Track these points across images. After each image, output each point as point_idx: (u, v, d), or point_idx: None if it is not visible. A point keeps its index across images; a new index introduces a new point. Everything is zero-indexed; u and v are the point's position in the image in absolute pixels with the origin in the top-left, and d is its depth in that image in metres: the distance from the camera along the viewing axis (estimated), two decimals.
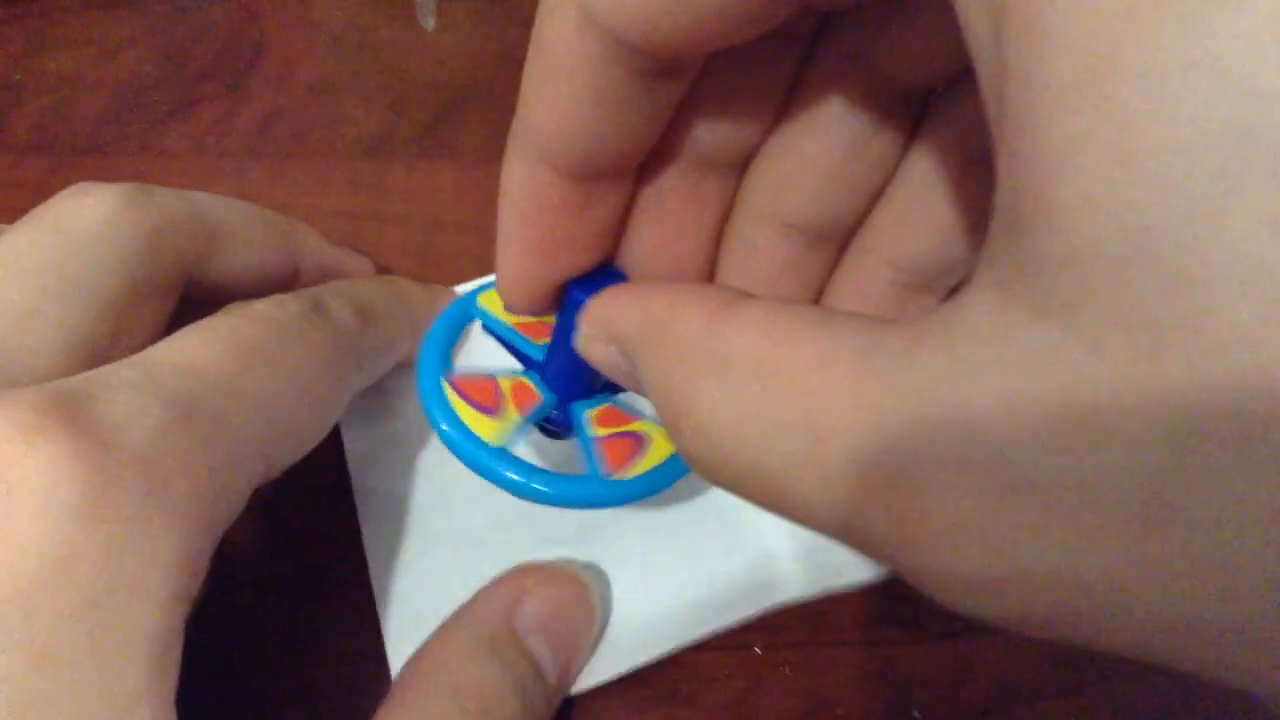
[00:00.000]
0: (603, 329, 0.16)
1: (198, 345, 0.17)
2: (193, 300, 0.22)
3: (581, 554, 0.24)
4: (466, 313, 0.24)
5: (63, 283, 0.18)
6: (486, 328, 0.24)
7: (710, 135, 0.17)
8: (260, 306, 0.19)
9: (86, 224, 0.19)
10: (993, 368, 0.09)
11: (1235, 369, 0.07)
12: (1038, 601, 0.09)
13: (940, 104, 0.17)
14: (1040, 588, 0.09)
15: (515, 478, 0.20)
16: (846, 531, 0.11)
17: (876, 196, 0.18)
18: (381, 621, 0.23)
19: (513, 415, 0.21)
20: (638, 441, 0.22)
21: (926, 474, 0.10)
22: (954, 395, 0.10)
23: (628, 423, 0.22)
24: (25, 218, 0.19)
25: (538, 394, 0.22)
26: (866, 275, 0.18)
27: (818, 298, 0.19)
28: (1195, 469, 0.08)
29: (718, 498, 0.24)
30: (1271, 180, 0.07)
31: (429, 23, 0.38)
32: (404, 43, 0.37)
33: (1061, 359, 0.09)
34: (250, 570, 0.24)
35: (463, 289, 0.28)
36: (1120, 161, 0.08)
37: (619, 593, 0.23)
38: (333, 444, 0.27)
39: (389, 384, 0.27)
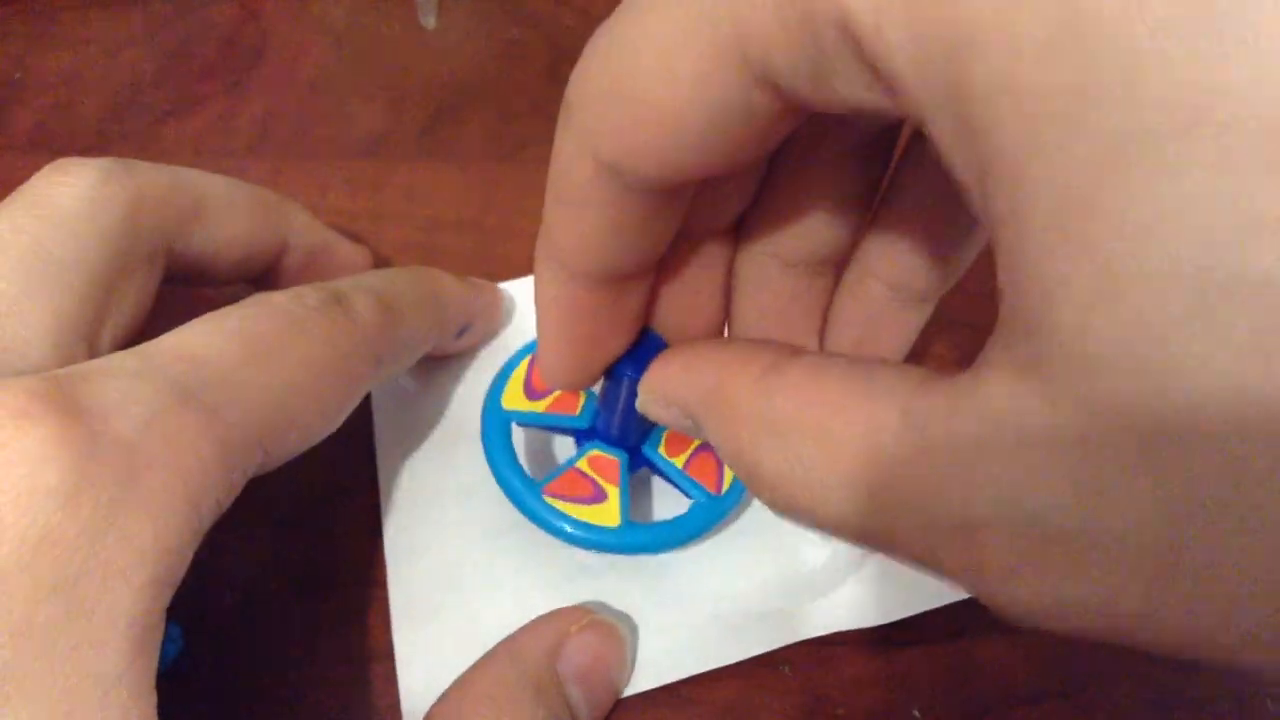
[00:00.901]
0: (660, 395, 0.18)
1: (203, 334, 0.18)
2: (179, 273, 0.22)
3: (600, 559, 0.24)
4: (504, 421, 0.25)
5: (48, 266, 0.18)
6: (521, 423, 0.25)
7: (709, 211, 0.18)
8: (278, 297, 0.19)
9: (66, 202, 0.19)
10: (1016, 443, 0.11)
11: (1217, 454, 0.09)
12: (1087, 624, 0.11)
13: (919, 132, 0.17)
14: (1087, 615, 0.11)
15: (667, 540, 0.23)
16: (926, 566, 0.13)
17: (866, 222, 0.19)
18: (391, 607, 0.23)
19: (613, 491, 0.23)
20: (711, 451, 0.23)
21: (980, 528, 0.12)
22: (988, 463, 0.11)
23: (691, 440, 0.24)
24: (6, 200, 0.19)
25: (612, 457, 0.23)
26: (866, 296, 0.19)
27: (824, 318, 0.20)
28: (1193, 535, 0.10)
29: (748, 526, 0.25)
30: (1232, 311, 0.09)
31: (429, 21, 0.38)
32: (404, 41, 0.37)
33: (1075, 442, 0.10)
34: (251, 570, 0.24)
35: (506, 286, 0.28)
36: (1105, 294, 0.09)
37: (651, 608, 0.24)
38: (337, 443, 0.27)
39: (423, 375, 0.27)
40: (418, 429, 0.26)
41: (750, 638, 0.23)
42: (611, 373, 0.20)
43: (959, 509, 0.12)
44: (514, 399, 0.25)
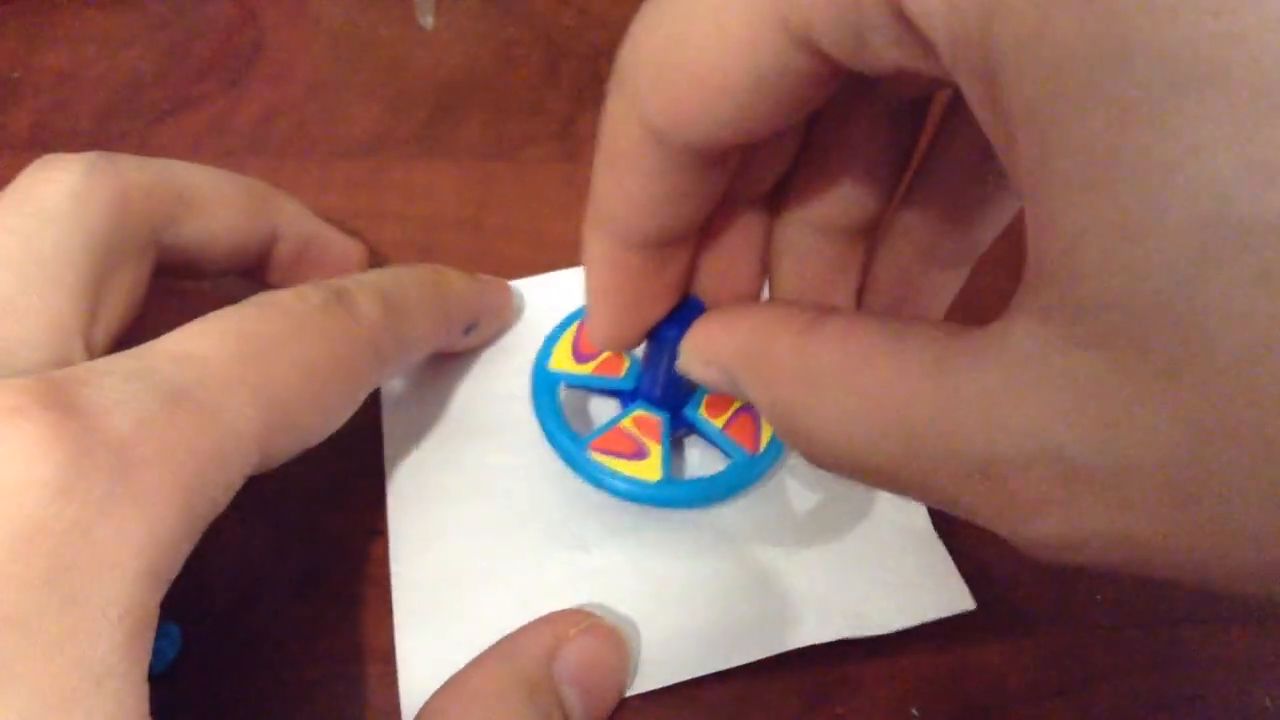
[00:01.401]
0: (701, 354, 0.19)
1: (202, 334, 0.18)
2: (171, 266, 0.22)
3: (599, 551, 0.24)
4: (553, 381, 0.26)
5: (39, 265, 0.18)
6: (570, 384, 0.26)
7: (750, 178, 0.19)
8: (279, 296, 0.20)
9: (54, 200, 0.19)
10: (1042, 384, 0.12)
11: (1234, 381, 0.10)
12: (1109, 555, 0.12)
13: (952, 103, 0.18)
14: (1108, 546, 0.12)
15: (704, 495, 0.24)
16: (952, 507, 0.14)
17: (901, 189, 0.19)
18: (394, 605, 0.23)
19: (655, 448, 0.24)
20: (750, 414, 0.25)
21: (1007, 466, 0.12)
22: (1015, 405, 0.12)
23: (731, 402, 0.25)
24: None
25: (655, 417, 0.24)
26: (900, 261, 0.20)
27: (860, 283, 0.21)
28: (1211, 460, 0.11)
29: (744, 532, 0.25)
30: (1240, 255, 0.09)
31: (427, 21, 0.38)
32: (402, 41, 0.37)
33: (1098, 380, 0.11)
34: (251, 570, 0.24)
35: (518, 284, 0.29)
36: (1125, 239, 0.10)
37: (654, 610, 0.24)
38: (338, 443, 0.27)
39: (431, 373, 0.27)
40: (426, 426, 0.26)
41: (752, 643, 0.23)
42: (654, 335, 0.21)
43: (986, 452, 0.13)
44: (562, 361, 0.26)
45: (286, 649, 0.23)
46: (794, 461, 0.26)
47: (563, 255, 0.30)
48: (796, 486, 0.25)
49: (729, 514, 0.25)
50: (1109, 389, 0.11)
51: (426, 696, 0.21)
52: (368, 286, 0.21)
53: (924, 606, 0.23)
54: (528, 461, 0.25)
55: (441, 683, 0.21)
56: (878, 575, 0.24)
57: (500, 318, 0.27)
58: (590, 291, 0.19)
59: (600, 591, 0.24)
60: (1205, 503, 0.11)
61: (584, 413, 0.27)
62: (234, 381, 0.17)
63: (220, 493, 0.17)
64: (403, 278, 0.23)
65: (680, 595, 0.24)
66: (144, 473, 0.15)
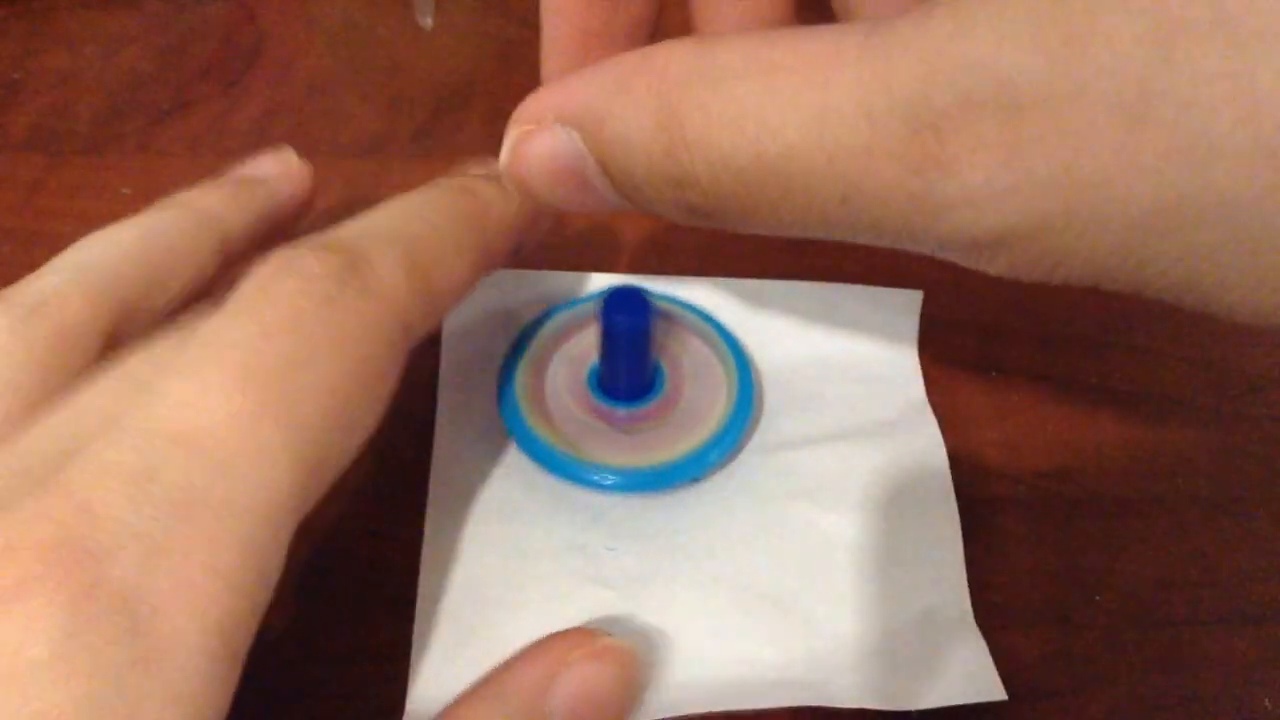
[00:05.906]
0: (552, 113, 0.16)
1: (202, 393, 0.14)
2: None
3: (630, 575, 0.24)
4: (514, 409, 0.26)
5: None
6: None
7: None
8: (280, 292, 0.16)
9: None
10: (996, 13, 0.11)
11: None
12: (1042, 204, 0.12)
13: None
14: (1044, 191, 0.12)
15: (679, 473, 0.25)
16: (870, 204, 0.13)
17: None
18: (416, 615, 0.23)
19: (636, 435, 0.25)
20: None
21: (947, 113, 0.12)
22: (962, 39, 0.12)
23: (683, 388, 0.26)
24: None
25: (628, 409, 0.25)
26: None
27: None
28: (1177, 58, 0.10)
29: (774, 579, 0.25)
30: None
31: (427, 21, 0.38)
32: (402, 41, 0.37)
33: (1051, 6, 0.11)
34: None
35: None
36: None
37: (664, 642, 0.23)
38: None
39: (481, 382, 0.27)
40: (474, 437, 0.26)
41: (777, 692, 0.22)
42: (606, 325, 0.21)
43: (915, 109, 0.12)
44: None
45: (286, 649, 0.23)
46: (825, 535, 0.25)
47: (561, 255, 0.30)
48: (827, 555, 0.25)
49: (765, 573, 0.24)
50: (1058, 7, 0.11)
51: (434, 709, 0.20)
52: (386, 242, 0.17)
53: (954, 692, 0.22)
54: (564, 489, 0.25)
55: (447, 702, 0.20)
56: (910, 655, 0.23)
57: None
58: (545, 34, 0.20)
59: (623, 631, 0.23)
60: (1164, 115, 0.10)
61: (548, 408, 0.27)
62: (251, 448, 0.14)
63: (262, 593, 0.15)
64: (429, 213, 0.19)
65: (702, 644, 0.23)
66: (157, 623, 0.13)
